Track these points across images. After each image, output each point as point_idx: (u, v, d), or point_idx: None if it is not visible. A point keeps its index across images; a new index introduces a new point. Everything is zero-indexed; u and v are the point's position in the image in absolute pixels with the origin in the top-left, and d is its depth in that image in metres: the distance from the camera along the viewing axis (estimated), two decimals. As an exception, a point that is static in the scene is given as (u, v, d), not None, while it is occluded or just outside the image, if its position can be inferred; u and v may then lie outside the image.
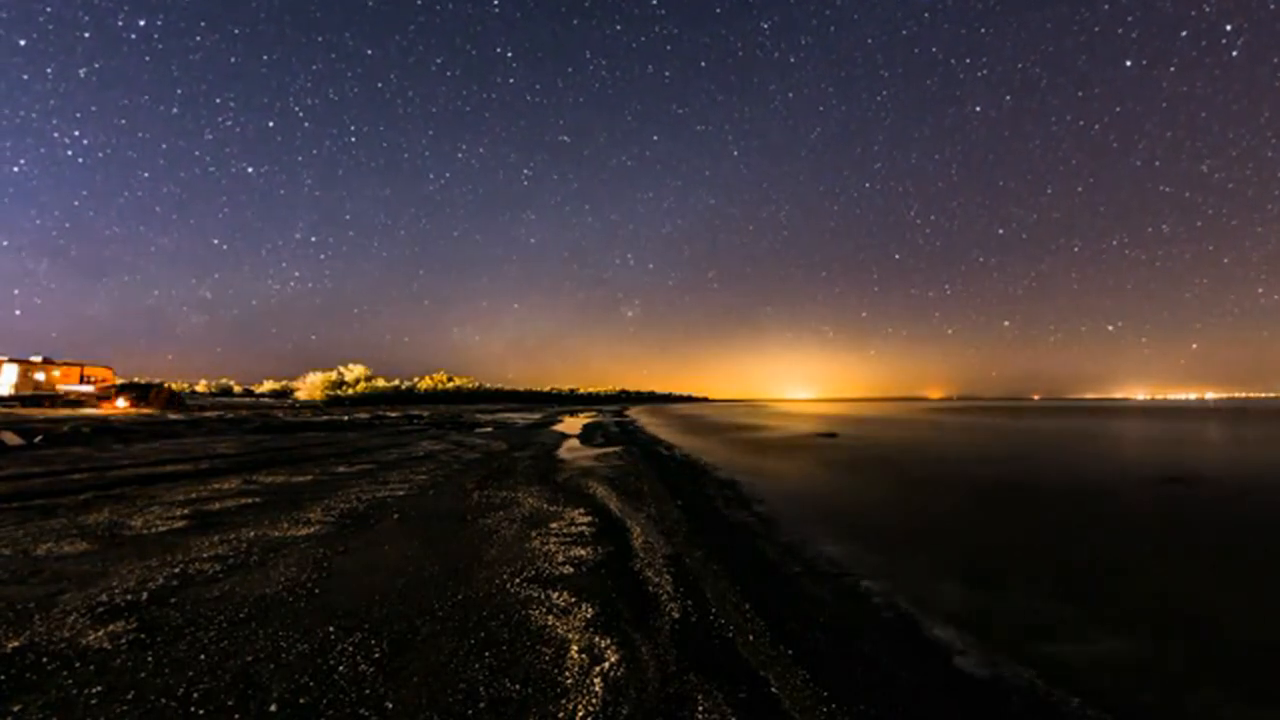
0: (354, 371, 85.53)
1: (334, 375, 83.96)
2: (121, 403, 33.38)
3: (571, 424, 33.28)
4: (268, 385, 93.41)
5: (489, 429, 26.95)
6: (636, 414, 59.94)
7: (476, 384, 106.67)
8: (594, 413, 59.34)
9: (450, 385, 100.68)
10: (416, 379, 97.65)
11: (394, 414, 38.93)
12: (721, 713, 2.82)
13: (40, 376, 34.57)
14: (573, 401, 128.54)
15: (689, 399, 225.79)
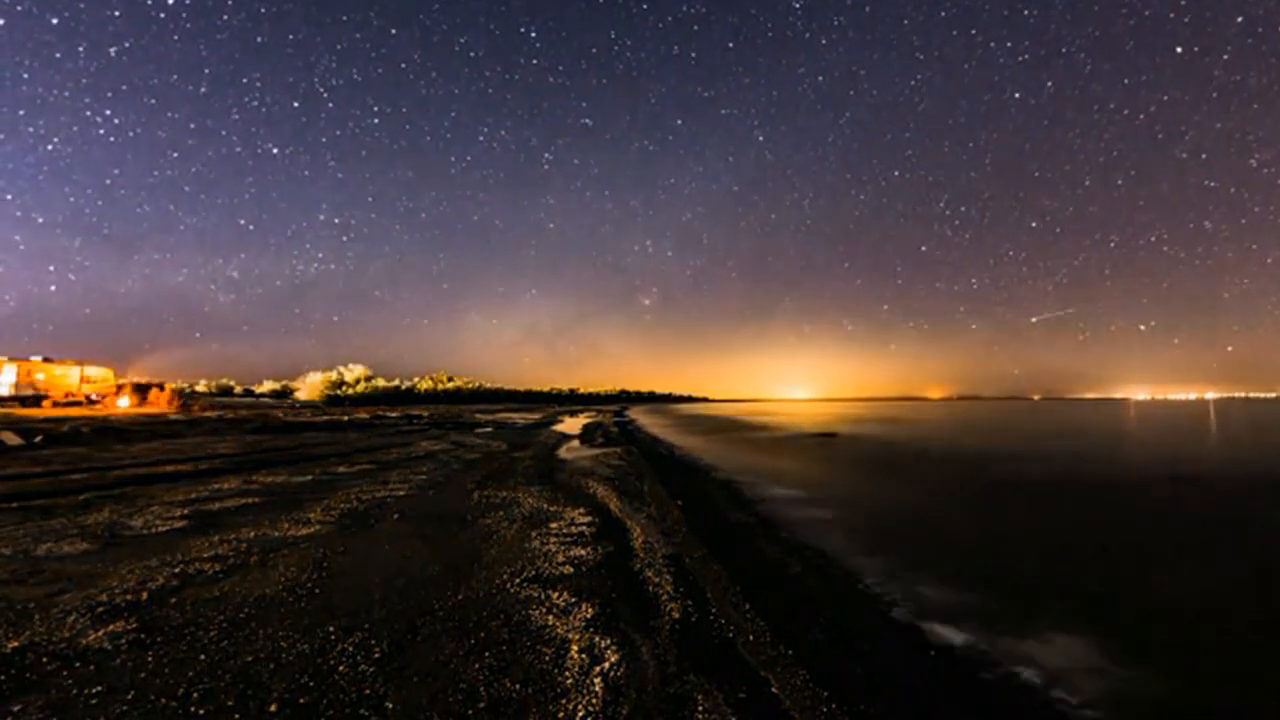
0: (354, 372, 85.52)
1: (334, 375, 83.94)
2: (122, 402, 33.37)
3: (571, 424, 33.28)
4: (267, 385, 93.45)
5: (489, 429, 26.95)
6: (637, 414, 59.93)
7: (476, 384, 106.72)
8: (594, 413, 59.35)
9: (450, 385, 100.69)
10: (416, 379, 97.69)
11: (394, 414, 38.93)
12: (721, 713, 2.82)
13: (40, 376, 34.56)
14: (573, 401, 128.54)
15: (689, 399, 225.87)
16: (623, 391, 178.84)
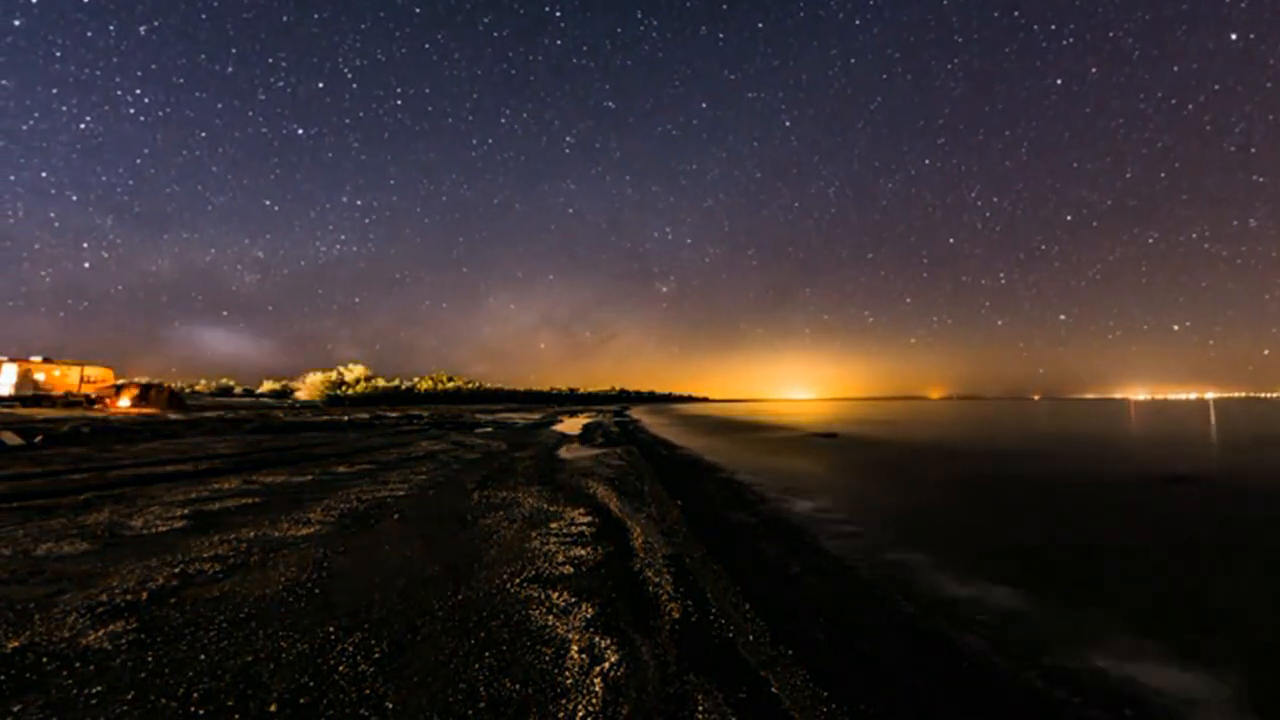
0: (354, 371, 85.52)
1: (334, 375, 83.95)
2: (123, 402, 33.37)
3: (571, 424, 33.27)
4: (267, 385, 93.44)
5: (489, 429, 26.94)
6: (637, 414, 59.93)
7: (476, 384, 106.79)
8: (594, 413, 59.34)
9: (450, 385, 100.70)
10: (416, 379, 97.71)
11: (394, 414, 38.92)
12: (721, 713, 2.82)
13: (40, 377, 34.56)
14: (573, 401, 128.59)
15: (689, 399, 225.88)
16: (623, 391, 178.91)
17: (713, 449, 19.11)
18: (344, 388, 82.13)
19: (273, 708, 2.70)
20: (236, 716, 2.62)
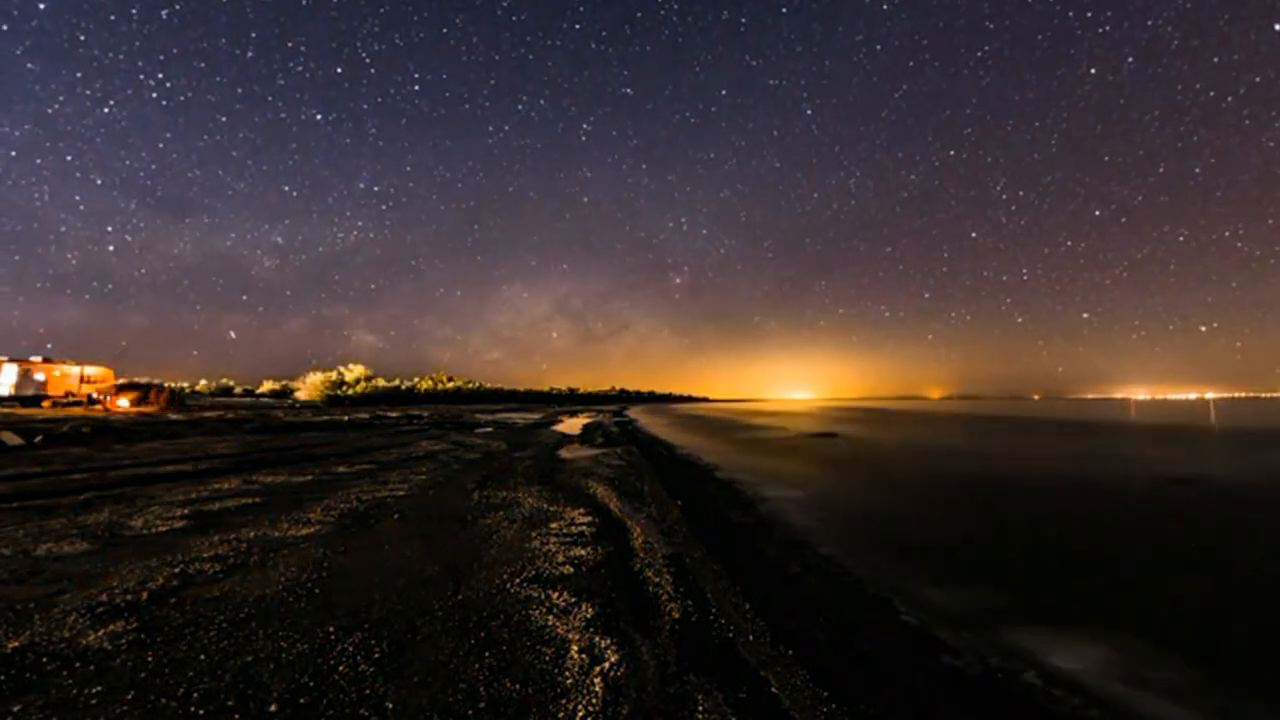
0: (354, 371, 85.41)
1: (334, 375, 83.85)
2: (122, 402, 33.37)
3: (571, 424, 33.27)
4: (267, 385, 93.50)
5: (489, 429, 26.94)
6: (636, 414, 59.92)
7: (476, 384, 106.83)
8: (594, 413, 59.34)
9: (450, 385, 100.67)
10: (417, 379, 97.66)
11: (394, 414, 38.92)
12: (721, 713, 2.82)
13: (40, 376, 34.55)
14: (572, 401, 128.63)
15: (689, 399, 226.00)
16: (622, 391, 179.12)
17: (712, 449, 19.11)
18: (344, 388, 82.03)
19: (273, 708, 2.70)
20: (236, 716, 2.62)
